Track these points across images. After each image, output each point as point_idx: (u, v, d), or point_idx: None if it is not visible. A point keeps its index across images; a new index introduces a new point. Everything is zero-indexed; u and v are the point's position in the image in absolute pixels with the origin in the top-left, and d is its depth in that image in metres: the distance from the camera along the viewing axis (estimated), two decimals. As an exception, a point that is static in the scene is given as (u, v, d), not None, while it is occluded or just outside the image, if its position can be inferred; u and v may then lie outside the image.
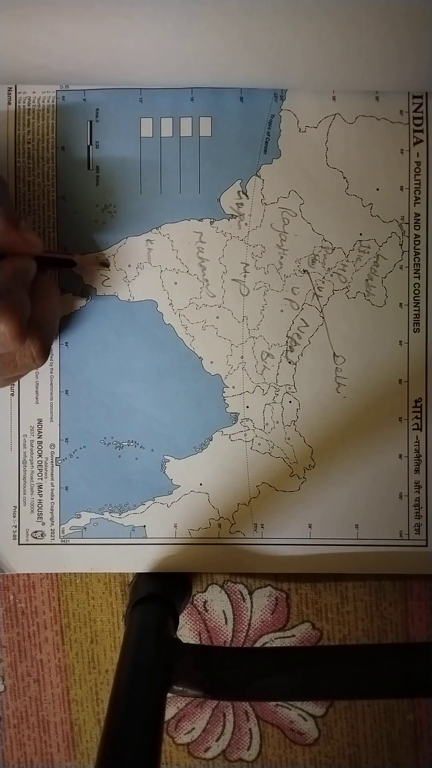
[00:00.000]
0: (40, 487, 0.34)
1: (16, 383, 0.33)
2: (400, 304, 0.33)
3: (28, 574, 0.36)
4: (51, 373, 0.33)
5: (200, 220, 0.33)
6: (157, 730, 0.25)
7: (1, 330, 0.26)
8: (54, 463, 0.34)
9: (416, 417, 0.33)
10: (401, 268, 0.33)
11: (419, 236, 0.33)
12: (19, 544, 0.34)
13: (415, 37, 0.28)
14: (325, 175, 0.32)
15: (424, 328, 0.33)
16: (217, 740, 0.37)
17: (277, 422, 0.33)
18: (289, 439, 0.33)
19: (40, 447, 0.34)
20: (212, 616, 0.37)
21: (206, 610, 0.37)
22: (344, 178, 0.32)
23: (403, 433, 0.33)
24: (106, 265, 0.33)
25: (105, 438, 0.33)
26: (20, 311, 0.27)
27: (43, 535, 0.34)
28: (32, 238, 0.29)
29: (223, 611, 0.37)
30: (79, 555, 0.34)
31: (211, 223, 0.33)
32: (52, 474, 0.34)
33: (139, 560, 0.34)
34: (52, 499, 0.34)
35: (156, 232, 0.33)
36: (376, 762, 0.37)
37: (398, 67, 0.29)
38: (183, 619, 0.37)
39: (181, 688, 0.27)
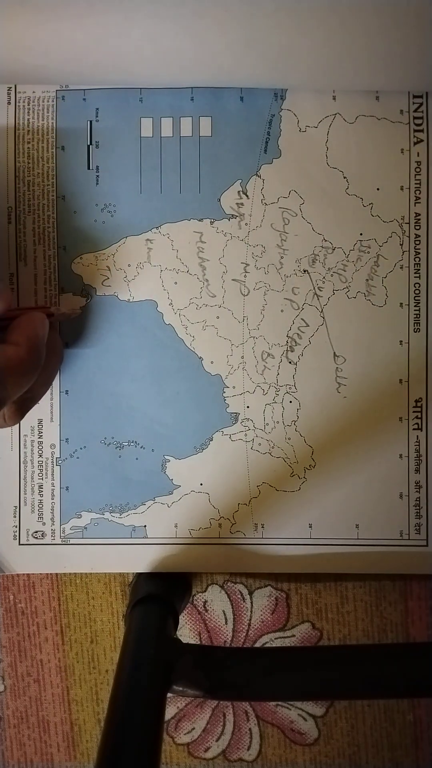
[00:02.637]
0: (40, 487, 0.34)
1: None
2: (401, 304, 0.33)
3: (28, 574, 0.36)
4: (51, 373, 0.33)
5: (200, 220, 0.33)
6: (157, 730, 0.25)
7: None
8: (54, 463, 0.34)
9: (416, 417, 0.33)
10: (401, 267, 0.33)
11: (419, 236, 0.33)
12: (19, 544, 0.34)
13: (415, 36, 0.28)
14: (326, 175, 0.32)
15: (424, 328, 0.33)
16: (217, 740, 0.37)
17: (278, 422, 0.33)
18: (289, 439, 0.33)
19: (40, 447, 0.34)
20: (212, 616, 0.37)
21: (206, 610, 0.37)
22: (344, 178, 0.32)
23: (403, 433, 0.33)
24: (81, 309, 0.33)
25: (105, 438, 0.33)
26: (10, 394, 0.26)
27: (43, 535, 0.34)
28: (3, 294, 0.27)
29: (223, 611, 0.37)
30: (79, 555, 0.34)
31: (211, 223, 0.33)
32: (52, 474, 0.34)
33: (139, 560, 0.34)
34: (52, 499, 0.34)
35: (156, 232, 0.33)
36: (376, 762, 0.37)
37: (398, 67, 0.29)
38: (183, 619, 0.37)
39: (181, 688, 0.27)
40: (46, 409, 0.33)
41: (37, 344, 0.27)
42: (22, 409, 0.28)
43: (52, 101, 0.33)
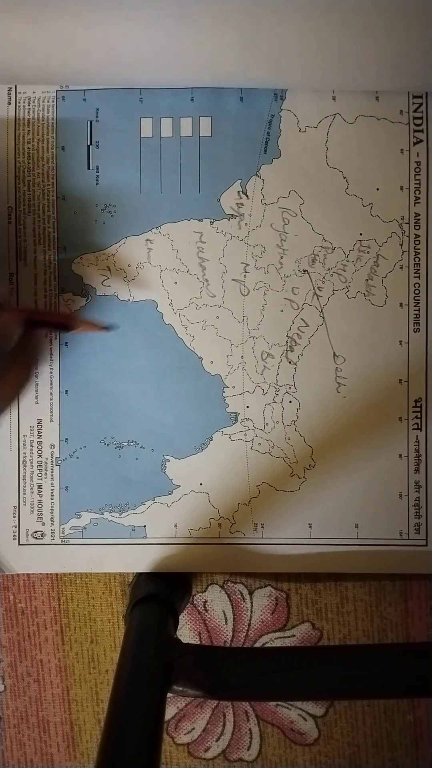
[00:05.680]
0: (40, 487, 0.34)
1: (16, 383, 0.33)
2: (400, 304, 0.33)
3: (28, 574, 0.36)
4: (51, 373, 0.33)
5: (200, 220, 0.33)
6: (157, 730, 0.25)
7: None
8: (54, 463, 0.34)
9: (416, 417, 0.33)
10: (401, 267, 0.33)
11: (419, 236, 0.33)
12: (19, 544, 0.34)
13: (415, 37, 0.28)
14: (325, 175, 0.32)
15: (424, 328, 0.33)
16: (217, 740, 0.37)
17: (277, 422, 0.33)
18: (289, 439, 0.33)
19: (40, 447, 0.34)
20: (212, 616, 0.37)
21: (206, 610, 0.37)
22: (344, 178, 0.32)
23: (403, 432, 0.33)
24: (108, 329, 0.32)
25: (105, 438, 0.33)
26: None
27: (43, 535, 0.34)
28: None
29: (223, 611, 0.37)
30: (79, 555, 0.34)
31: (211, 223, 0.33)
32: (52, 474, 0.34)
33: (139, 560, 0.34)
34: (52, 499, 0.34)
35: (156, 232, 0.33)
36: (376, 762, 0.37)
37: (398, 67, 0.29)
38: (183, 619, 0.37)
39: (181, 688, 0.27)
40: (45, 409, 0.33)
41: None
42: None
43: (52, 101, 0.33)
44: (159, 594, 0.33)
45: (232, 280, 0.33)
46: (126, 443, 0.33)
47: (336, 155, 0.32)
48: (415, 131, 0.32)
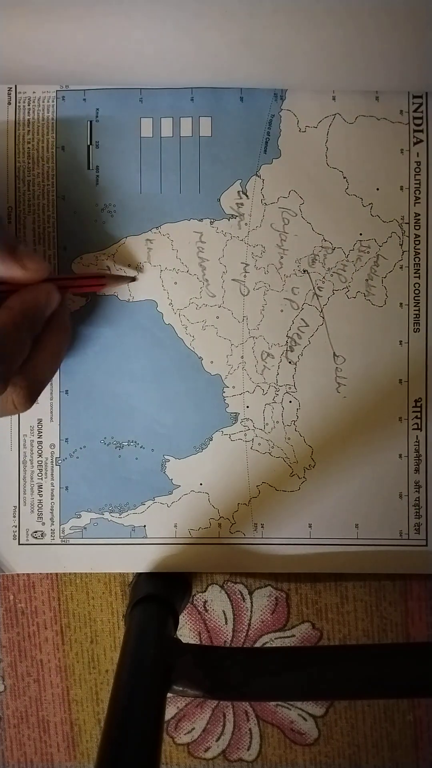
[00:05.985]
0: (40, 487, 0.34)
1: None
2: (400, 304, 0.33)
3: (28, 574, 0.36)
4: (51, 373, 0.33)
5: (200, 220, 0.33)
6: (157, 730, 0.25)
7: None
8: (54, 463, 0.34)
9: (416, 417, 0.33)
10: (401, 267, 0.33)
11: (419, 236, 0.33)
12: (19, 544, 0.34)
13: (415, 36, 0.28)
14: (325, 175, 0.32)
15: (424, 328, 0.33)
16: (217, 740, 0.37)
17: (277, 422, 0.33)
18: (289, 439, 0.33)
19: (40, 447, 0.34)
20: (212, 616, 0.37)
21: (206, 610, 0.37)
22: (344, 178, 0.32)
23: (403, 432, 0.33)
24: (134, 279, 0.33)
25: (105, 438, 0.33)
26: (7, 363, 0.25)
27: (43, 535, 0.34)
28: (32, 263, 0.27)
29: (223, 611, 0.37)
30: (79, 555, 0.34)
31: (211, 223, 0.33)
32: (52, 474, 0.34)
33: (139, 560, 0.34)
34: (52, 499, 0.34)
35: (156, 232, 0.33)
36: (376, 762, 0.37)
37: (398, 67, 0.29)
38: (183, 619, 0.37)
39: (181, 688, 0.27)
40: (45, 408, 0.33)
41: (31, 310, 0.27)
42: (30, 392, 0.28)
43: (52, 101, 0.33)
44: (159, 594, 0.33)
45: (232, 280, 0.33)
46: (126, 443, 0.33)
47: (336, 155, 0.32)
48: (415, 131, 0.32)
